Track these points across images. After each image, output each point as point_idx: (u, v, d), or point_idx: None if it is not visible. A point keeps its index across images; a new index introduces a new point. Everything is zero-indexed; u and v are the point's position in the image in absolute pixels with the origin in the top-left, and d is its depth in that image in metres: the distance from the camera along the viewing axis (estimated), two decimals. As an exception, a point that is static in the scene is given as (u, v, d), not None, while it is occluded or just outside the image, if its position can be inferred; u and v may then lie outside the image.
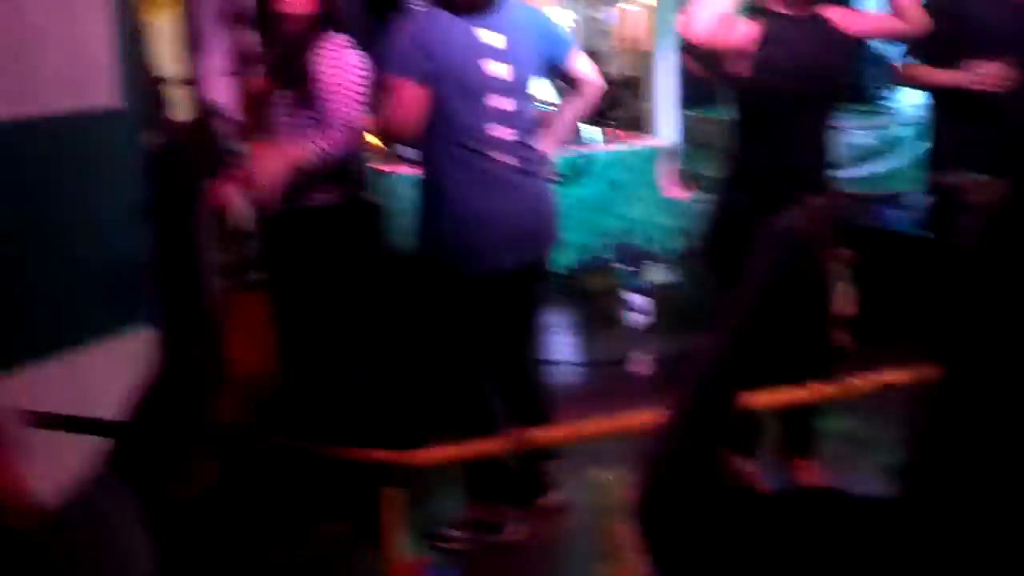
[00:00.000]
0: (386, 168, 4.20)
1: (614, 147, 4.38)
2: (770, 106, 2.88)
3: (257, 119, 3.05)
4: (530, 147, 2.85)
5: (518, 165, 2.80)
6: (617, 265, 4.37)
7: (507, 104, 2.77)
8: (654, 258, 4.31)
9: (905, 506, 0.81)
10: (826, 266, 1.04)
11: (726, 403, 0.99)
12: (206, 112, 4.26)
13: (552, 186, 2.98)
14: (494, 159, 2.77)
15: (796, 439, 3.24)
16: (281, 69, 2.91)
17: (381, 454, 2.35)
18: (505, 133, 2.79)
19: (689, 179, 4.26)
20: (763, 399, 2.66)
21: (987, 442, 0.77)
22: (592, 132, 4.57)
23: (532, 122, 2.87)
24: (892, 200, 0.91)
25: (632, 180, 4.21)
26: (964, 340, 0.80)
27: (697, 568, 0.93)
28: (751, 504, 0.93)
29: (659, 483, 0.99)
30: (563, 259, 3.86)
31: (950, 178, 1.04)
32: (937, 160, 3.06)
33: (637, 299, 4.35)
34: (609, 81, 6.57)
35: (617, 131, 4.75)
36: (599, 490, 2.70)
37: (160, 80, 4.07)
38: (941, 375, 0.81)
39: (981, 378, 0.78)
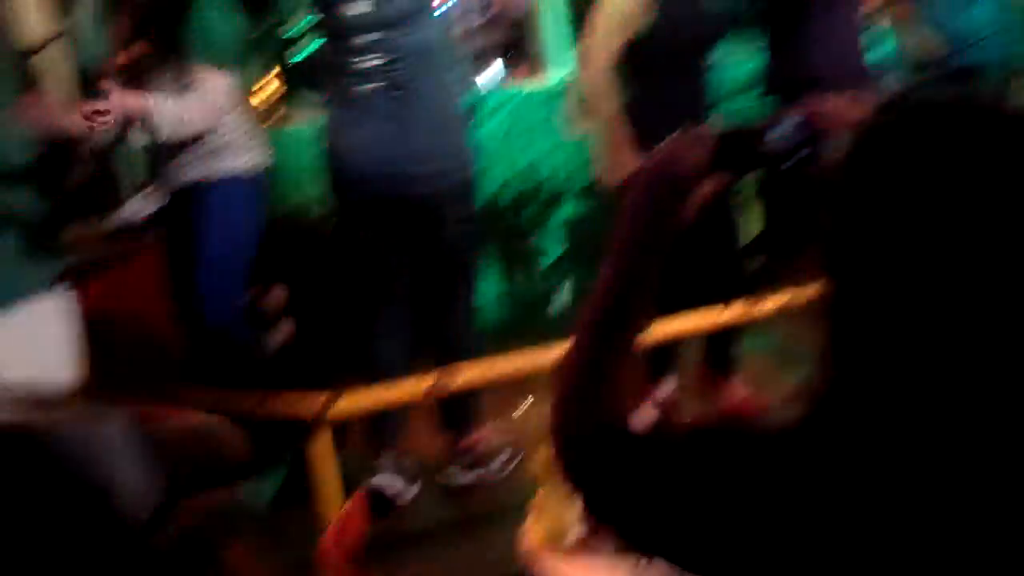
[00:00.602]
0: (282, 125, 4.15)
1: (515, 84, 4.36)
2: (658, 59, 3.00)
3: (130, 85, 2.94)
4: (416, 78, 2.85)
5: (392, 96, 2.83)
6: (524, 203, 4.36)
7: (378, 37, 2.81)
8: (562, 194, 4.31)
9: (807, 431, 0.83)
10: (710, 195, 1.03)
11: (620, 337, 0.99)
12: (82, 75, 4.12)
13: (456, 119, 2.97)
14: (363, 92, 2.84)
15: (718, 360, 3.33)
16: (154, 32, 2.82)
17: (303, 403, 2.35)
18: (376, 64, 2.83)
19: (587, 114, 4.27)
20: (679, 324, 2.74)
21: (875, 359, 0.80)
22: (496, 70, 4.55)
23: (420, 53, 2.85)
24: (773, 123, 0.95)
25: (535, 117, 4.18)
26: (840, 259, 0.82)
27: (610, 500, 0.95)
28: (651, 439, 0.95)
29: (562, 421, 1.00)
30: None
31: (818, 100, 1.08)
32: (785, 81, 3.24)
33: (547, 235, 4.37)
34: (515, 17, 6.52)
35: (519, 68, 4.73)
36: (525, 420, 2.75)
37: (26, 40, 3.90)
38: (827, 293, 0.83)
39: (857, 293, 0.81)
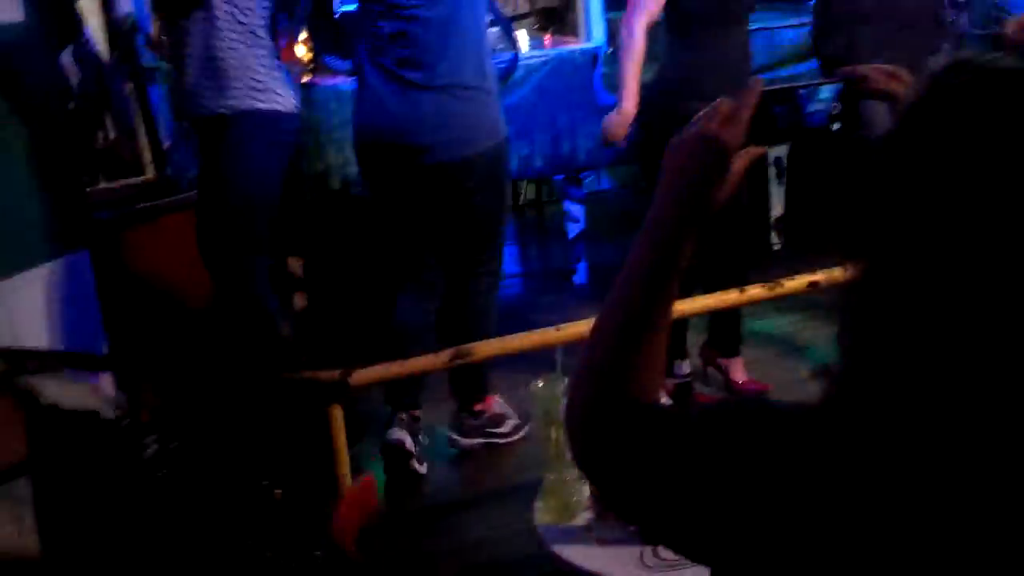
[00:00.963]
0: (314, 80, 4.13)
1: (542, 52, 4.29)
2: (697, 17, 2.94)
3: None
4: (434, 50, 2.84)
5: (409, 65, 2.85)
6: (549, 174, 4.35)
7: (393, 6, 2.83)
8: (587, 165, 4.28)
9: (829, 409, 0.81)
10: (745, 166, 1.00)
11: (652, 311, 0.96)
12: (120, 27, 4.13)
13: (479, 87, 2.93)
14: (381, 60, 2.89)
15: (723, 339, 3.32)
16: None
17: (319, 374, 2.36)
18: (391, 33, 2.85)
19: (616, 83, 4.23)
20: (695, 303, 2.72)
21: (905, 342, 0.76)
22: (523, 37, 4.50)
23: (437, 26, 2.83)
24: (811, 94, 0.92)
25: (561, 86, 4.14)
26: (879, 237, 0.78)
27: (622, 480, 0.92)
28: (673, 418, 0.92)
29: (585, 397, 0.97)
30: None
31: (857, 68, 1.05)
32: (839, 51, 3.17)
33: (571, 207, 4.35)
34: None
35: (547, 35, 4.68)
36: (539, 398, 2.75)
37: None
38: (859, 273, 0.79)
39: (896, 275, 0.77)
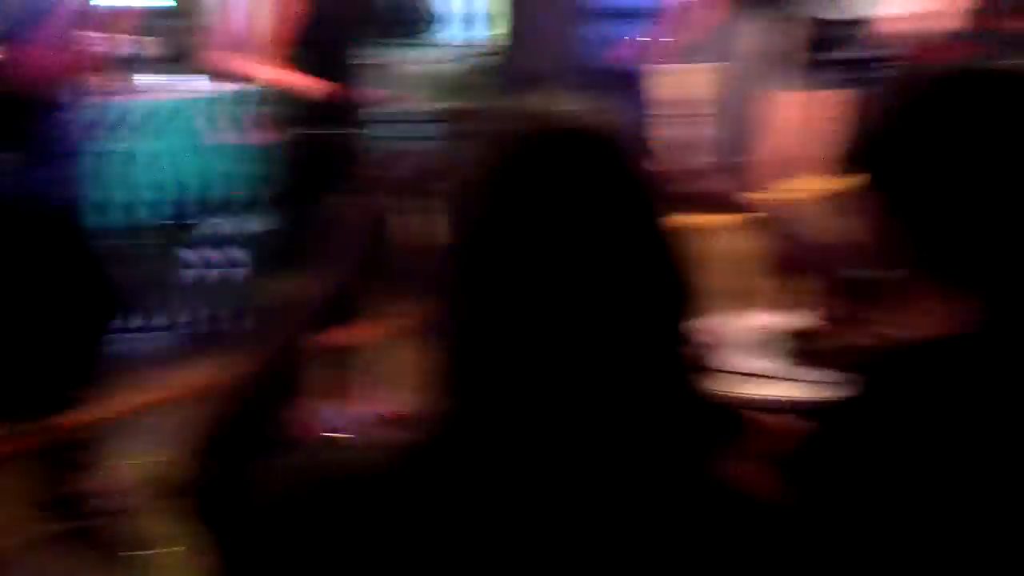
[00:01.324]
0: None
1: (165, 97, 4.21)
2: (316, 55, 3.08)
3: None
4: None
5: None
6: (181, 220, 4.22)
7: None
8: (230, 209, 4.18)
9: (429, 457, 0.80)
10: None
11: (293, 358, 1.00)
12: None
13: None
14: None
15: (337, 376, 3.26)
16: None
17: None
18: None
19: (269, 122, 4.21)
20: (323, 339, 2.67)
21: (500, 380, 0.78)
22: (146, 80, 4.30)
23: None
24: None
25: (184, 130, 4.08)
26: (467, 278, 0.81)
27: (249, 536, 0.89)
28: (285, 467, 0.91)
29: (218, 451, 0.95)
30: (127, 219, 3.86)
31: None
32: None
33: (211, 253, 4.22)
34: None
35: (170, 78, 4.49)
36: (142, 470, 2.55)
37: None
38: (448, 313, 0.82)
39: (487, 314, 0.79)
